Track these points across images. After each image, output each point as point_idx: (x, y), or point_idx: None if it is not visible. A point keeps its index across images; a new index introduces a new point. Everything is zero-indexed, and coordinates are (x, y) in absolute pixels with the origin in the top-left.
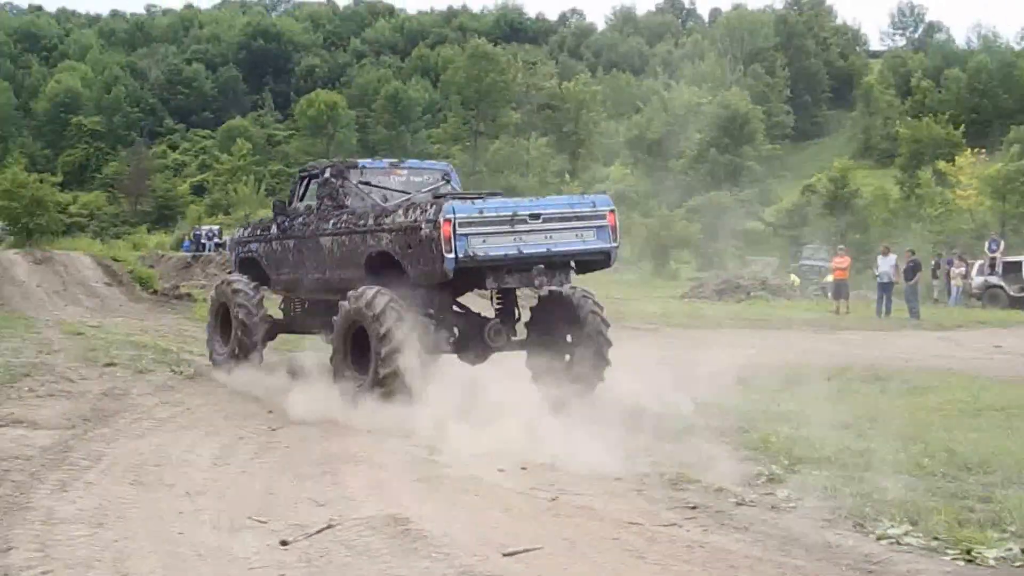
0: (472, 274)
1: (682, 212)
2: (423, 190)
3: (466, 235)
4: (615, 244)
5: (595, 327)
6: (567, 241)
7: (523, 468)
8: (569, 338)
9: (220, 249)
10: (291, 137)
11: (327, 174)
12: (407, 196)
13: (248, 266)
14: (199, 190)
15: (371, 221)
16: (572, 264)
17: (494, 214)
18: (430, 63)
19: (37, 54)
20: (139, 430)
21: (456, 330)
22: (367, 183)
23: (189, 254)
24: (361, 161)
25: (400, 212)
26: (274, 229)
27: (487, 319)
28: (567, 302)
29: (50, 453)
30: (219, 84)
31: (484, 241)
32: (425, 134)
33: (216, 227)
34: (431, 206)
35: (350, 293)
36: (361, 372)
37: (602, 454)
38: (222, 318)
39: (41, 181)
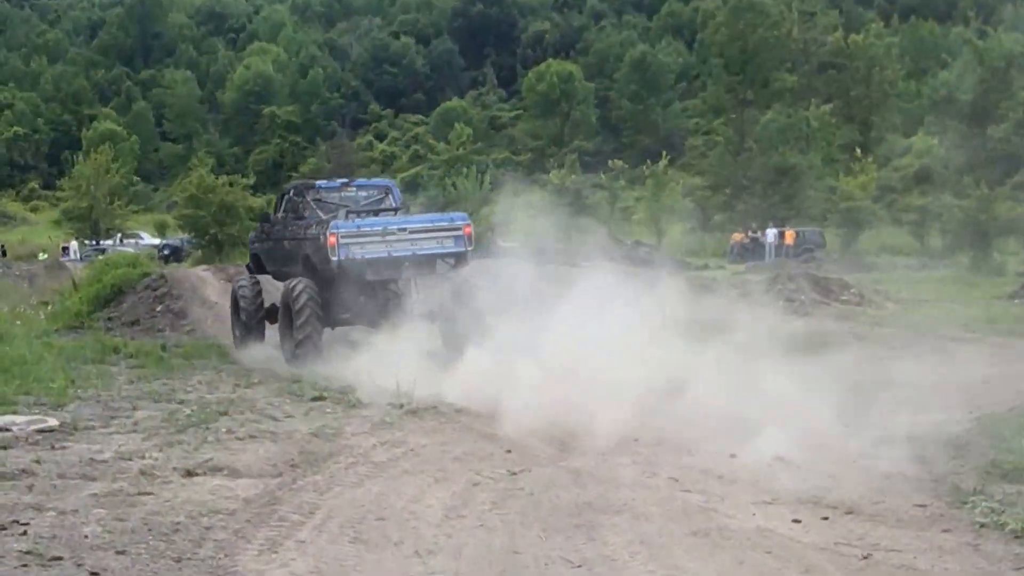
0: (356, 269)
1: (1007, 190)
2: (369, 202)
3: (347, 244)
4: (469, 248)
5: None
6: (429, 247)
7: (824, 518)
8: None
9: None
10: (518, 118)
11: (291, 193)
12: (345, 208)
13: (256, 260)
14: (412, 186)
15: (302, 232)
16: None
17: (368, 228)
18: (683, 20)
19: (223, 37)
20: (356, 477)
21: (355, 308)
22: (320, 200)
23: None
24: (318, 183)
25: (314, 227)
26: (262, 234)
27: (388, 298)
28: (450, 284)
29: (255, 506)
30: (432, 60)
31: (361, 247)
32: (679, 107)
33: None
34: (326, 225)
35: (285, 283)
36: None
37: (917, 496)
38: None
39: (231, 184)
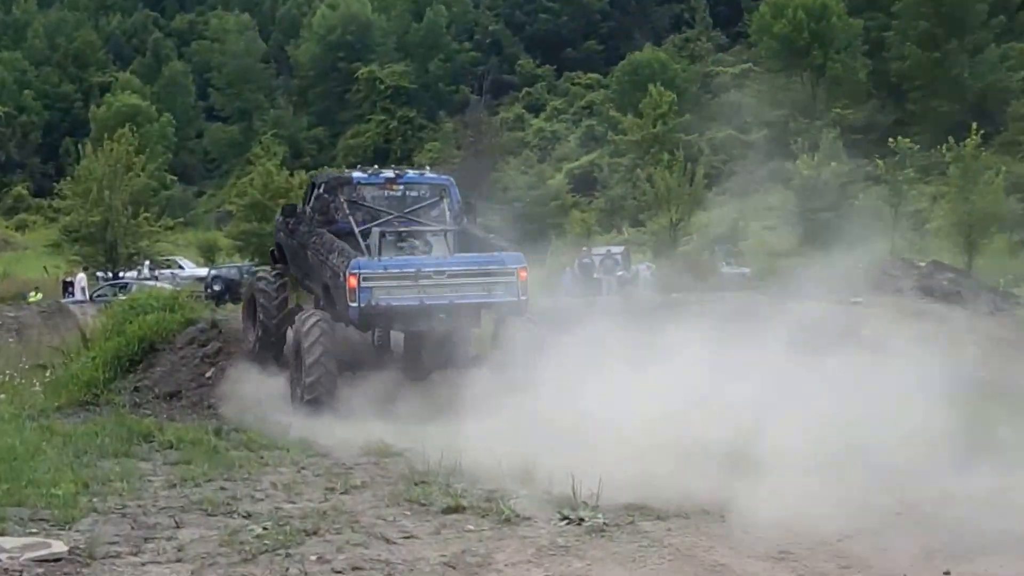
0: (381, 319)
1: None
2: (417, 207)
3: (369, 288)
4: (524, 297)
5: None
6: (473, 295)
7: None
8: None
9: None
10: (744, 76)
11: (320, 188)
12: (392, 215)
13: (280, 251)
14: (585, 182)
15: (324, 254)
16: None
17: (397, 270)
18: None
19: None
20: None
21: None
22: (356, 201)
23: None
24: (356, 175)
25: (335, 256)
26: (287, 227)
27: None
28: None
29: None
30: None
31: (388, 292)
32: (995, 53)
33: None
34: (347, 260)
35: (296, 317)
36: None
37: None
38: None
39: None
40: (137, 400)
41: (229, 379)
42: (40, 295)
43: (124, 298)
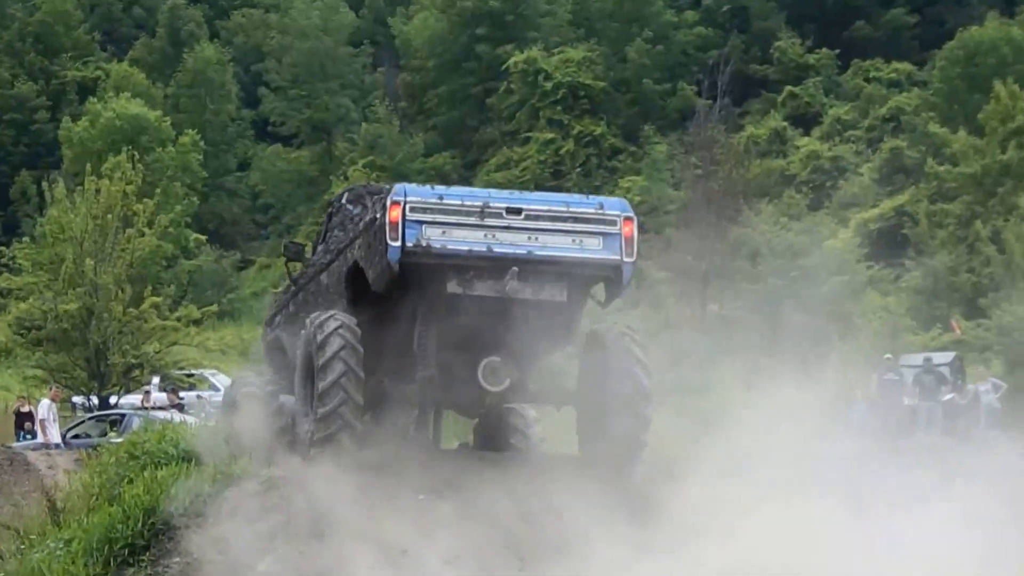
0: (430, 274)
1: None
2: None
3: (419, 222)
4: (629, 259)
5: (629, 374)
6: (559, 245)
7: None
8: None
9: None
10: None
11: (343, 199)
12: None
13: (276, 351)
14: (888, 245)
15: (348, 236)
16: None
17: (458, 202)
18: None
19: None
20: None
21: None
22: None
23: None
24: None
25: (368, 209)
26: (292, 295)
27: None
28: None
29: None
30: None
31: (443, 232)
32: None
33: None
34: (386, 195)
35: (308, 319)
36: None
37: None
38: None
39: None
40: None
41: (296, 571)
42: None
43: (119, 440)
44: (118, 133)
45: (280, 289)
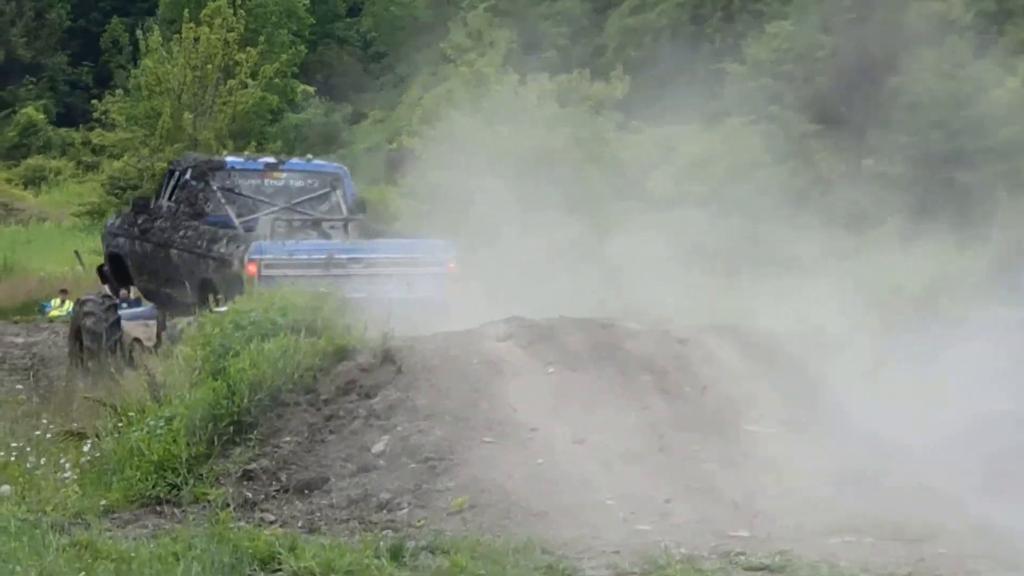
0: None
1: None
2: (304, 198)
3: (271, 276)
4: (449, 296)
5: None
6: (393, 289)
7: None
8: None
9: None
10: None
11: (187, 175)
12: (276, 208)
13: (116, 263)
14: None
15: (202, 244)
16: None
17: (306, 256)
18: None
19: None
20: None
21: None
22: (232, 190)
23: None
24: (229, 160)
25: (224, 242)
26: (132, 227)
27: None
28: None
29: None
30: None
31: (293, 284)
32: None
33: None
34: (243, 244)
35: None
36: None
37: None
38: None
39: None
40: (250, 495)
41: (417, 450)
42: (69, 305)
43: (223, 309)
44: None
45: (126, 212)
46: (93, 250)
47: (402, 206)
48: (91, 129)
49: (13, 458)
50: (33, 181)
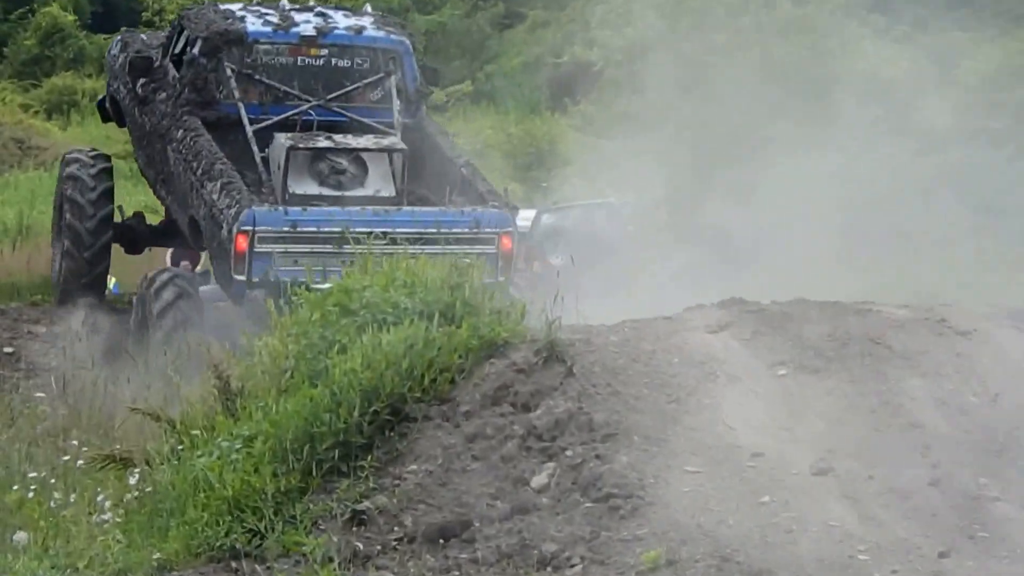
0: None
1: None
2: (349, 88)
3: (268, 253)
4: (503, 276)
5: None
6: None
7: None
8: None
9: None
10: None
11: (195, 44)
12: (309, 103)
13: (115, 108)
14: None
15: (200, 175)
16: None
17: (314, 229)
18: None
19: None
20: None
21: None
22: (252, 73)
23: None
24: (252, 30)
25: (217, 187)
26: (136, 91)
27: None
28: None
29: None
30: None
31: (296, 263)
32: None
33: None
34: (235, 207)
35: (143, 277)
36: None
37: None
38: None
39: None
40: (361, 545)
41: (594, 484)
42: (113, 282)
43: (332, 286)
44: None
45: (117, 50)
46: (144, 205)
47: (573, 144)
48: None
49: (31, 493)
50: (59, 108)
